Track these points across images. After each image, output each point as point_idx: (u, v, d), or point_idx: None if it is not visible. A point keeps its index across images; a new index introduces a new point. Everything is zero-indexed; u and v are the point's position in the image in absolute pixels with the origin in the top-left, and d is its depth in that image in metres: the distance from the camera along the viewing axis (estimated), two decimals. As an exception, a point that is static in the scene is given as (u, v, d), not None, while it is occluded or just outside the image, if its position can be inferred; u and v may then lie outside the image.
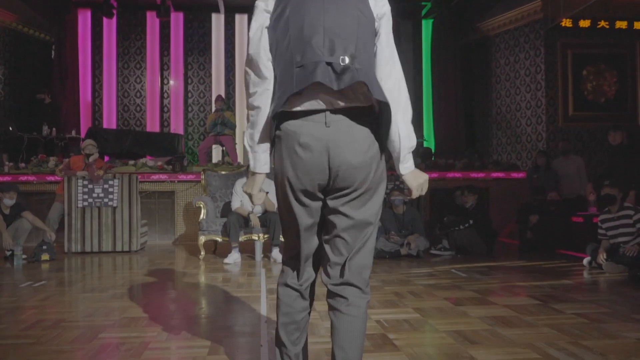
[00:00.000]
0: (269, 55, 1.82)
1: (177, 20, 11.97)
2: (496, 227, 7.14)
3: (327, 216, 1.86)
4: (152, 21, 11.80)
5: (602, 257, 5.33)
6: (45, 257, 6.33)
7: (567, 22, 9.65)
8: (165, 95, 12.14)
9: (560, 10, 9.35)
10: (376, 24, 1.83)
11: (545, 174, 7.95)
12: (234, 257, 6.11)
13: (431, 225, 7.80)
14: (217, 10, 11.78)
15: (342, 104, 1.76)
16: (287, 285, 1.93)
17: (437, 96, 11.95)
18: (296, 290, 1.92)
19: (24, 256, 6.24)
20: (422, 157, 9.88)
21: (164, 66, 12.14)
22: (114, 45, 11.94)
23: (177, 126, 11.94)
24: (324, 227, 1.89)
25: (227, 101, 11.51)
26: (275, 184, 1.88)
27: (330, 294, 1.86)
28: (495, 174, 9.09)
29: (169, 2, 10.80)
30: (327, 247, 1.87)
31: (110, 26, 11.80)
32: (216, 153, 10.95)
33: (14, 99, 10.64)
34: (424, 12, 11.93)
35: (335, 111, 1.75)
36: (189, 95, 12.21)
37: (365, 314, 1.85)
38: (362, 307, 1.83)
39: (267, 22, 1.82)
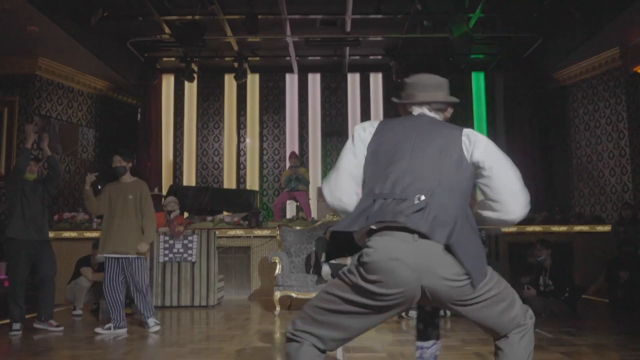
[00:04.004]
0: (350, 182, 2.07)
1: (253, 81, 12.50)
2: (581, 283, 6.74)
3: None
4: (230, 83, 12.38)
5: None
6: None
7: (649, 68, 9.29)
8: (242, 153, 12.57)
9: (640, 57, 9.03)
10: (473, 167, 1.98)
11: (632, 227, 7.52)
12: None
13: (512, 281, 7.48)
14: (291, 71, 12.23)
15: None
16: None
17: (512, 148, 11.68)
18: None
19: (108, 310, 6.51)
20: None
21: (241, 125, 12.63)
22: (194, 107, 12.60)
23: (252, 183, 12.28)
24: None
25: (301, 158, 11.74)
26: (356, 289, 1.90)
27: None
28: (578, 228, 8.67)
29: (246, 65, 11.34)
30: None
31: (191, 89, 12.50)
32: (290, 209, 11.12)
33: (103, 160, 11.35)
34: (494, 64, 11.85)
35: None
36: (264, 152, 12.58)
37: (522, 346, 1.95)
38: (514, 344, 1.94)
39: (363, 152, 2.05)
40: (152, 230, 5.39)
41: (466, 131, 2.01)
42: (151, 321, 5.28)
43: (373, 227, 1.87)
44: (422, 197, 1.86)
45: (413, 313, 5.92)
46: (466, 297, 1.86)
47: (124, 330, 5.17)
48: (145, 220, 5.32)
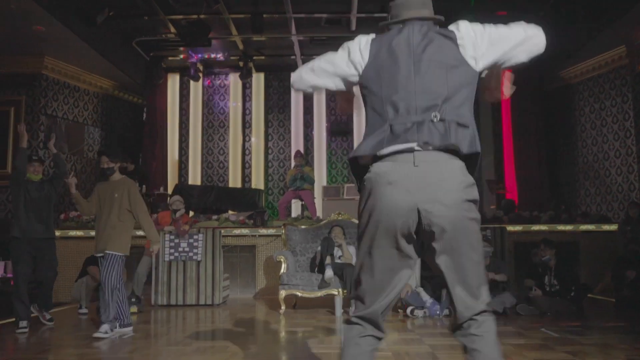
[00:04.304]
0: (337, 83, 2.12)
1: (258, 80, 12.52)
2: (587, 283, 6.71)
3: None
4: (235, 82, 12.40)
5: None
6: (133, 309, 6.57)
7: (655, 67, 9.24)
8: (247, 151, 12.58)
9: (647, 55, 8.99)
10: (472, 60, 1.96)
11: (639, 226, 7.48)
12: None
13: (517, 280, 7.46)
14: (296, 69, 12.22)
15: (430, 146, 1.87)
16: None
17: (518, 146, 11.65)
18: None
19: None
20: (504, 210, 9.58)
21: (246, 124, 12.64)
22: (199, 106, 12.62)
23: (257, 181, 12.30)
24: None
25: (306, 157, 11.74)
26: (361, 224, 1.95)
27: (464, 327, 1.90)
28: (584, 227, 8.63)
29: (251, 63, 11.36)
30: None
31: (196, 88, 12.52)
32: (295, 207, 11.12)
33: (109, 158, 11.38)
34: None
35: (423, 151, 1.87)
36: (270, 151, 12.59)
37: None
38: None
39: (360, 62, 2.05)
40: (151, 229, 5.23)
41: (459, 33, 2.00)
42: (104, 327, 4.86)
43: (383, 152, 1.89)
44: (438, 115, 1.88)
45: (418, 312, 5.92)
46: (456, 230, 1.84)
47: (130, 328, 5.17)
48: (141, 221, 5.14)
